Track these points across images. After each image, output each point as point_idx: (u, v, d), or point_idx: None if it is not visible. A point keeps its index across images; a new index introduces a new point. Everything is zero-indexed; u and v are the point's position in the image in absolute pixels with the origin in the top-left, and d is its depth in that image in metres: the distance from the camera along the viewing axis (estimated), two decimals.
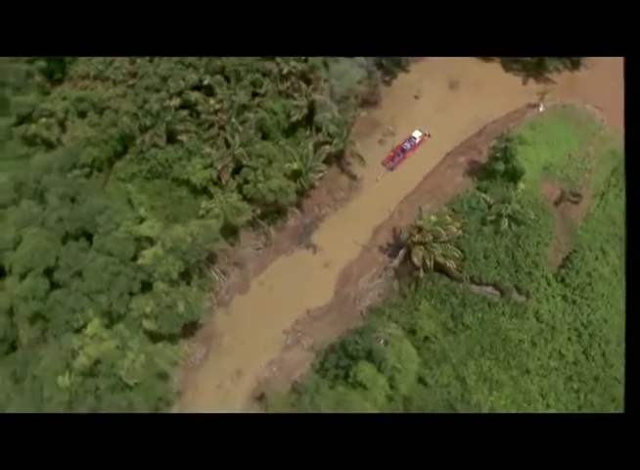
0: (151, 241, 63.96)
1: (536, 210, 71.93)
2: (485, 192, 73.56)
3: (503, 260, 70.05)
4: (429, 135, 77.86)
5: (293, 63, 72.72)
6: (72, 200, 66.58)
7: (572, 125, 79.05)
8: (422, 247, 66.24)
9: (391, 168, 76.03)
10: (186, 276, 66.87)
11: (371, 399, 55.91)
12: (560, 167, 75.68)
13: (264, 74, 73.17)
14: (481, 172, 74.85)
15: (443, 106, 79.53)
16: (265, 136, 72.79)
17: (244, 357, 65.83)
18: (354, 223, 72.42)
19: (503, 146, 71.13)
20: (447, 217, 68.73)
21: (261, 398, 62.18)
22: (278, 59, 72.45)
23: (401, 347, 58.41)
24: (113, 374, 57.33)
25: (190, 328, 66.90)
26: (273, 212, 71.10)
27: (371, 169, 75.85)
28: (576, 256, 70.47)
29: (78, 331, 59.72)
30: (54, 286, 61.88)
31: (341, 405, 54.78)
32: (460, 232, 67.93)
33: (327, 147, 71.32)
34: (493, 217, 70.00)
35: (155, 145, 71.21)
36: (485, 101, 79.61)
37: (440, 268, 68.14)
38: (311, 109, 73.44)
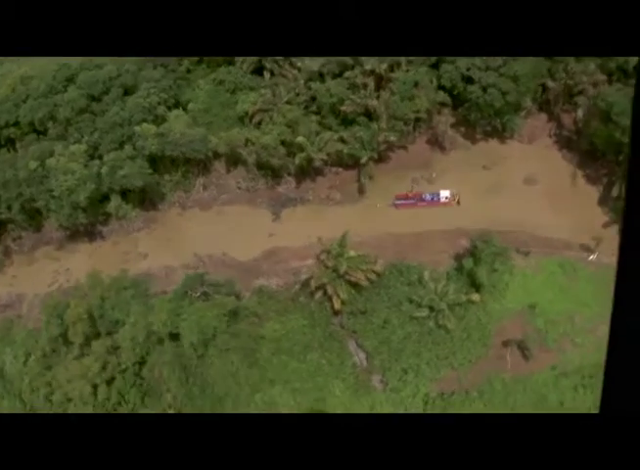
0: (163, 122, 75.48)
1: (470, 328, 63.66)
2: (448, 280, 66.74)
3: (393, 341, 64.76)
4: (458, 202, 72.10)
5: (383, 65, 73.99)
6: (166, 67, 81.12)
7: (607, 292, 64.84)
8: (322, 268, 65.08)
9: (396, 206, 73.25)
10: (171, 168, 77.49)
11: None
12: (548, 320, 64.17)
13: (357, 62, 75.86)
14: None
15: (500, 189, 71.89)
16: (318, 111, 76.57)
17: (155, 248, 74.89)
18: (323, 222, 73.13)
19: (475, 244, 63.34)
20: (376, 267, 65.40)
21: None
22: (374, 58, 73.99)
23: (215, 309, 61.66)
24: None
25: (148, 206, 78.09)
26: (268, 168, 75.84)
27: (381, 195, 74.24)
28: (461, 396, 61.27)
29: (73, 143, 75.46)
30: (90, 112, 78.17)
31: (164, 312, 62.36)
32: (364, 283, 64.42)
33: (340, 144, 72.36)
34: (418, 300, 64.24)
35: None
36: (545, 213, 69.43)
37: (330, 301, 66.03)
38: (368, 110, 74.35)
